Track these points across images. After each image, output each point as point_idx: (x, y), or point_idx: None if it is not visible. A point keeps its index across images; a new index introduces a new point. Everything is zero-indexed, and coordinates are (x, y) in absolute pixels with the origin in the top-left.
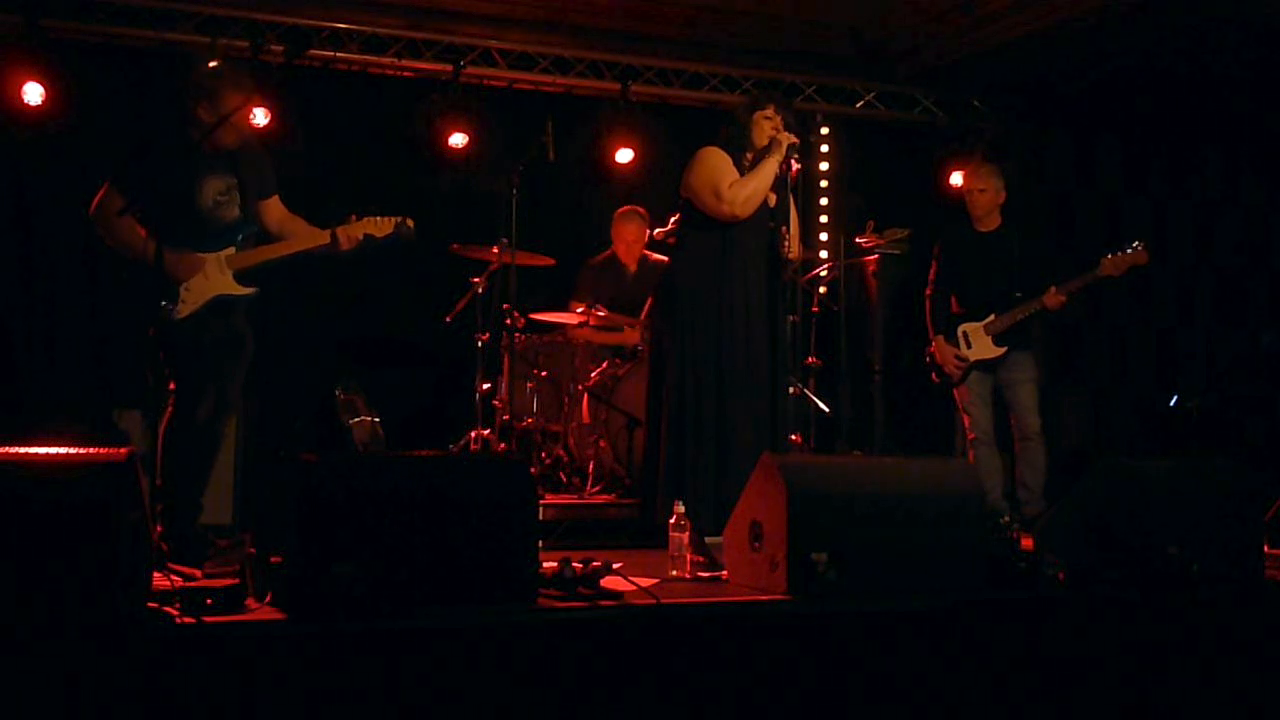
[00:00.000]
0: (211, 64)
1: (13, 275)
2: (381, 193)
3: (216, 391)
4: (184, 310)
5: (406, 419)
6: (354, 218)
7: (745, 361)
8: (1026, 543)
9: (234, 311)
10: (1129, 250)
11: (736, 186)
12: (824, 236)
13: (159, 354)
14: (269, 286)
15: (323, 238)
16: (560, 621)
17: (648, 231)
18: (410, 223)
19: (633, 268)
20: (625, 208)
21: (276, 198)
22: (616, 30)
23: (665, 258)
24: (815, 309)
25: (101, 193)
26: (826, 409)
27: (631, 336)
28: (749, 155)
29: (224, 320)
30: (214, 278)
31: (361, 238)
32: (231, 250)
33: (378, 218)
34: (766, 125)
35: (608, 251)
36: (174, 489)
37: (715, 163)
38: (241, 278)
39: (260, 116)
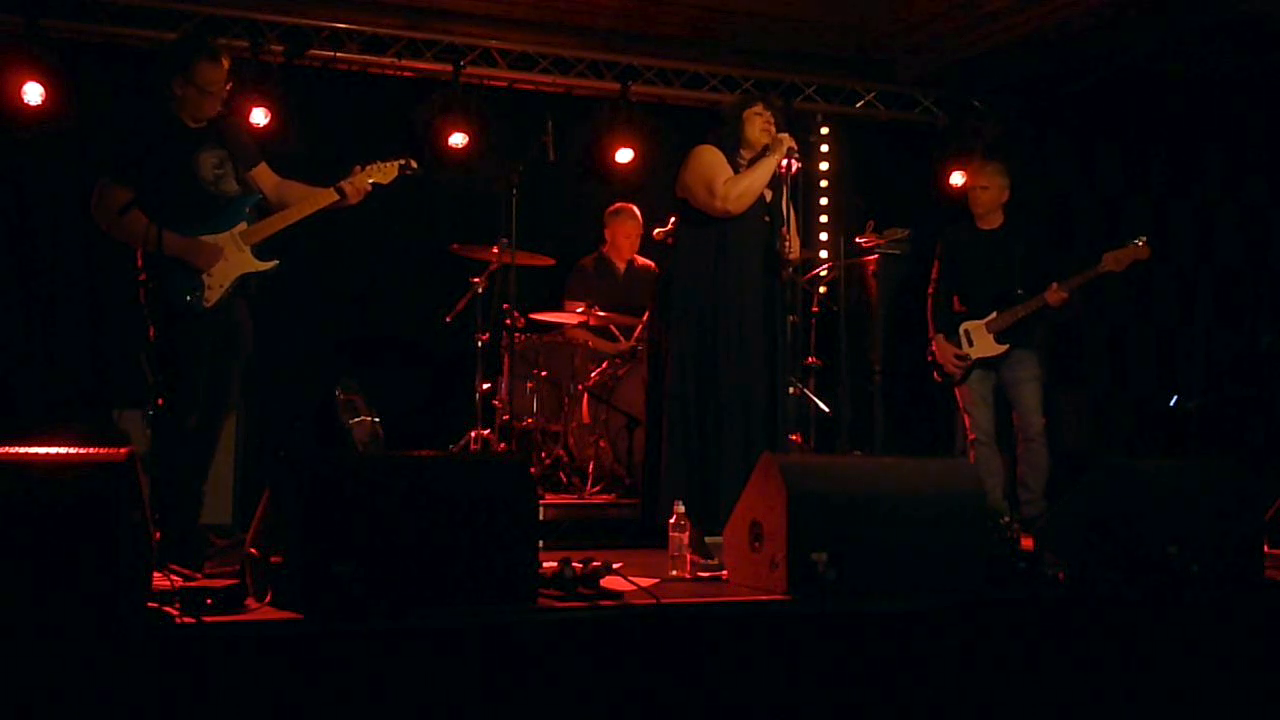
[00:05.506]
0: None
1: (13, 275)
2: (381, 192)
3: (216, 388)
4: (212, 297)
5: (406, 419)
6: (358, 169)
7: (741, 359)
8: (1026, 543)
9: (251, 288)
10: (1131, 245)
11: (730, 183)
12: (824, 236)
13: (171, 347)
14: (268, 286)
15: (330, 196)
16: (560, 621)
17: (641, 229)
18: (414, 163)
19: (621, 268)
20: (618, 205)
21: (265, 165)
22: (616, 30)
23: (651, 262)
24: (815, 309)
25: (96, 191)
26: (826, 409)
27: (625, 345)
28: (744, 153)
29: (243, 300)
30: (234, 258)
31: (369, 187)
32: (243, 225)
33: (381, 164)
34: (758, 121)
35: (596, 253)
36: (174, 488)
37: (709, 159)
38: (259, 252)
39: (260, 116)
